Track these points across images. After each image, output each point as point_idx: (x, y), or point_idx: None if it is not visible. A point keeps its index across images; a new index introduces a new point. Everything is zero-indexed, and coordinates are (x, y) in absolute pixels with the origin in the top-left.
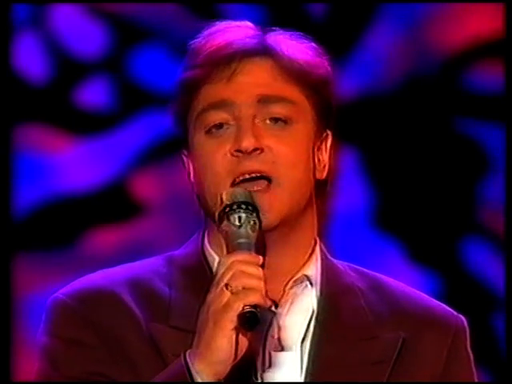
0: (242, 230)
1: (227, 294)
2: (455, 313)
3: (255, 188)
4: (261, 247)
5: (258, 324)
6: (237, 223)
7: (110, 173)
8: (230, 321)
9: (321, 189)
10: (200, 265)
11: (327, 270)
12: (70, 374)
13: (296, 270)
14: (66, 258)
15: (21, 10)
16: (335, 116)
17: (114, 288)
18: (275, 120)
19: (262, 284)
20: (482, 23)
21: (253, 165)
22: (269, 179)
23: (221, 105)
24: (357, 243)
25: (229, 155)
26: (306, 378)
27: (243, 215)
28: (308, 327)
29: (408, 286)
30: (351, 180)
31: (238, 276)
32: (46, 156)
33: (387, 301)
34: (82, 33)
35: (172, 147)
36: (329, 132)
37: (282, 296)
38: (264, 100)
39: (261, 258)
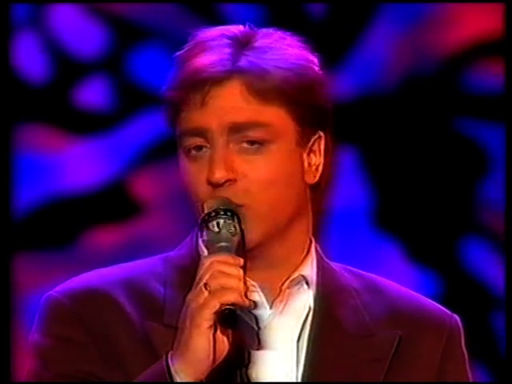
0: (222, 233)
1: (205, 293)
2: (449, 312)
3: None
4: (255, 251)
5: (237, 322)
6: (216, 229)
7: (109, 172)
8: (206, 319)
9: (315, 191)
10: (194, 264)
11: (323, 271)
12: (60, 371)
13: (292, 269)
14: (65, 258)
15: (20, 9)
16: (330, 115)
17: (108, 288)
18: (251, 142)
19: (241, 284)
20: (482, 23)
21: (224, 195)
22: (241, 207)
23: (195, 132)
24: (356, 243)
25: (206, 184)
26: (302, 377)
27: (221, 221)
28: (303, 326)
29: (407, 285)
30: (350, 180)
31: (217, 276)
32: (45, 156)
33: (383, 301)
34: (82, 33)
35: (172, 147)
36: (321, 133)
37: (278, 295)
38: (236, 128)
39: (241, 260)
